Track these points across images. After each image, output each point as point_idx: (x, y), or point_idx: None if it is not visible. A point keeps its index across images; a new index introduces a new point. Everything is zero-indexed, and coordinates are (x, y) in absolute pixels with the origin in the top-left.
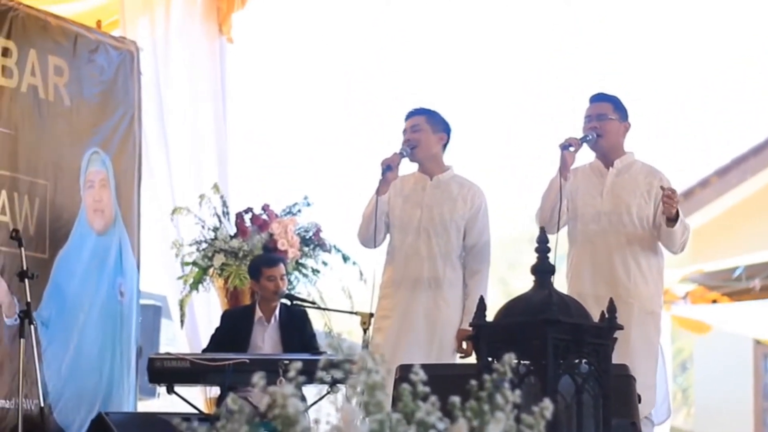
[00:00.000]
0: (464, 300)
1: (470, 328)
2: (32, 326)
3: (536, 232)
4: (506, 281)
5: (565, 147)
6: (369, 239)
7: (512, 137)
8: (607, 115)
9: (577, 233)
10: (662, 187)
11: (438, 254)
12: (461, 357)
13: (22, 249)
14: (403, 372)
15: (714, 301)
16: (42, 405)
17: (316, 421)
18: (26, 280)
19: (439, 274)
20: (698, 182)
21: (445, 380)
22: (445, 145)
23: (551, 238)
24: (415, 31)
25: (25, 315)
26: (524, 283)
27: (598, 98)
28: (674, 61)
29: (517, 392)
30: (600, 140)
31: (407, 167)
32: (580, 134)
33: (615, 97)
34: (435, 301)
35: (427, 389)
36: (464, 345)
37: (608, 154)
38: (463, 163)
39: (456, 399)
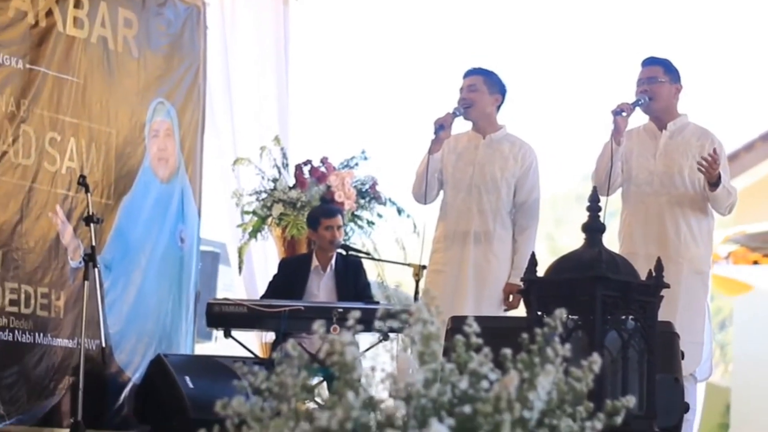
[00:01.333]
0: (513, 255)
1: (518, 282)
2: (96, 269)
3: (583, 191)
4: (553, 237)
5: (617, 113)
6: (421, 196)
7: (562, 97)
8: (657, 78)
9: (630, 194)
10: (701, 158)
11: (488, 210)
12: (506, 310)
13: (89, 194)
14: (455, 323)
15: (755, 262)
16: (104, 345)
17: (372, 369)
18: (92, 225)
19: (489, 229)
20: (743, 146)
21: (495, 332)
22: (499, 106)
23: (602, 199)
24: None
25: (90, 258)
26: (571, 239)
27: (650, 62)
28: (722, 26)
29: (567, 346)
30: (652, 103)
31: (461, 125)
32: (632, 98)
33: (666, 60)
34: (485, 256)
35: (479, 341)
36: (511, 298)
37: (661, 116)
38: (513, 120)
39: (507, 351)
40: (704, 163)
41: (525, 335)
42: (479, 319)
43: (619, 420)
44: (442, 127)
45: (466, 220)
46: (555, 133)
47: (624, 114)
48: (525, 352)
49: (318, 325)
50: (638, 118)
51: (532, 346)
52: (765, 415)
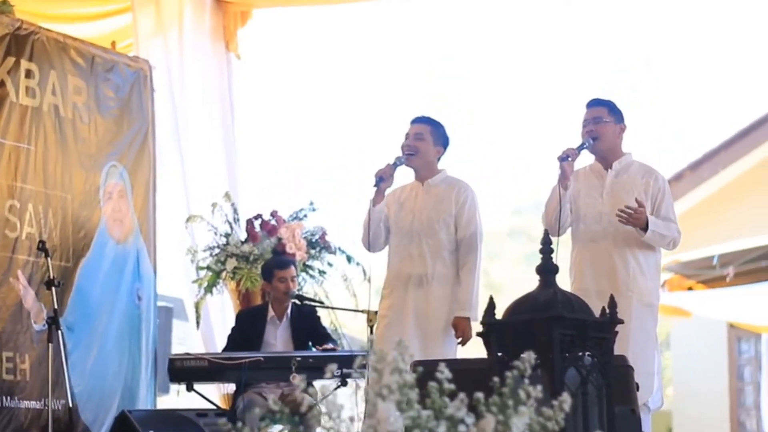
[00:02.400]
0: (456, 289)
1: (464, 315)
2: (59, 331)
3: (514, 225)
4: (488, 272)
5: (563, 158)
6: (367, 245)
7: (491, 136)
8: (602, 118)
9: (579, 232)
10: (618, 212)
11: (427, 253)
12: (460, 343)
13: (49, 259)
14: (424, 368)
15: (690, 288)
16: (70, 405)
17: (351, 419)
18: (53, 288)
19: (428, 272)
20: (672, 176)
21: (456, 374)
22: (439, 158)
23: (553, 240)
24: (413, 40)
25: (53, 321)
26: (505, 273)
27: (594, 103)
28: (645, 60)
29: (539, 387)
30: (597, 143)
31: (405, 173)
32: (577, 143)
33: (610, 101)
34: (425, 297)
35: (452, 386)
36: (458, 332)
37: (606, 155)
38: (448, 161)
39: (480, 395)
40: (623, 215)
41: (495, 378)
42: (432, 363)
43: None
44: (381, 179)
45: (406, 264)
46: (485, 170)
47: (570, 159)
48: (497, 394)
49: (299, 380)
50: (584, 159)
51: (503, 389)
52: None
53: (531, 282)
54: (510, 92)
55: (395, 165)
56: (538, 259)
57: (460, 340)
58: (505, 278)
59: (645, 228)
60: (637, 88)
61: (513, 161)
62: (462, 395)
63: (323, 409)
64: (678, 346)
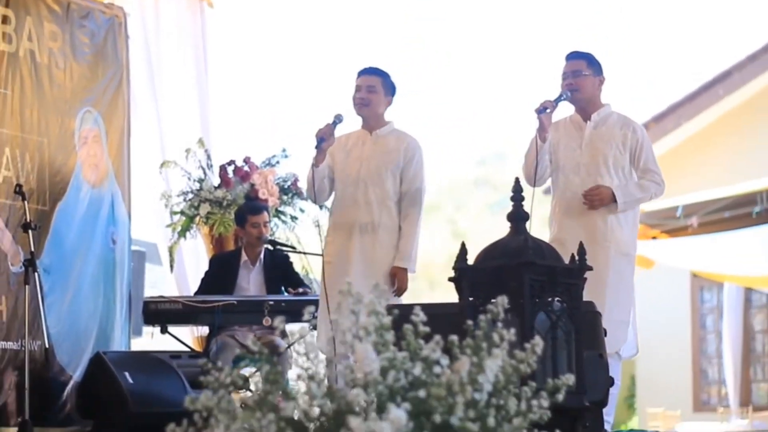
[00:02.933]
0: (398, 241)
1: (403, 266)
2: (36, 274)
3: (479, 175)
4: (455, 221)
5: (541, 111)
6: (312, 199)
7: (457, 87)
8: (581, 71)
9: (558, 183)
10: (585, 199)
11: (374, 201)
12: (395, 294)
13: (26, 202)
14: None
15: (654, 238)
16: (46, 346)
17: (328, 360)
18: (29, 231)
19: (374, 219)
20: None
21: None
22: (388, 106)
23: (529, 190)
24: None
25: (29, 263)
26: (471, 222)
27: (573, 56)
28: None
29: (512, 330)
30: (577, 94)
31: (353, 122)
32: (554, 95)
33: (589, 54)
34: (372, 244)
35: (427, 329)
36: (396, 282)
37: (585, 107)
38: (412, 111)
39: (454, 337)
40: (588, 202)
41: (469, 322)
42: (406, 307)
43: (560, 397)
44: (323, 139)
45: (352, 211)
46: (450, 122)
47: (548, 111)
48: (470, 337)
49: (279, 321)
50: (565, 110)
51: (477, 332)
52: (668, 385)
53: (496, 231)
54: (487, 34)
55: (335, 123)
56: (502, 208)
57: (395, 288)
58: (470, 227)
59: (615, 203)
60: (610, 37)
61: (482, 109)
62: (437, 337)
63: (300, 350)
64: (641, 295)
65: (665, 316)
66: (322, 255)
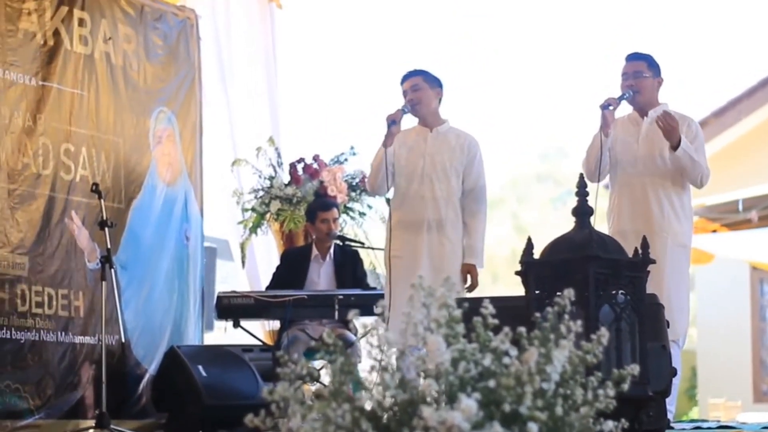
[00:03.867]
0: (465, 237)
1: (473, 262)
2: (112, 270)
3: (542, 170)
4: (517, 215)
5: (605, 107)
6: (378, 187)
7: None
8: (642, 73)
9: (617, 177)
10: (658, 116)
11: (441, 198)
12: (468, 289)
13: (102, 200)
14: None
15: (714, 231)
16: (123, 340)
17: (401, 352)
18: (106, 229)
19: (441, 216)
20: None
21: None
22: (440, 100)
23: (593, 185)
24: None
25: (106, 260)
26: (533, 216)
27: (634, 57)
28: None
29: (579, 322)
30: (637, 96)
31: (408, 122)
32: (617, 93)
33: (649, 55)
34: (439, 240)
35: (496, 321)
36: (468, 278)
37: (644, 107)
38: (475, 112)
39: (523, 329)
40: (662, 120)
41: (537, 314)
42: (475, 300)
43: (626, 387)
44: (394, 122)
45: (420, 208)
46: (510, 119)
47: (611, 108)
48: (538, 329)
49: (351, 314)
50: (623, 109)
51: (545, 324)
52: (729, 376)
53: (558, 225)
54: (533, 31)
55: (404, 111)
56: (564, 203)
57: (468, 285)
58: (532, 222)
59: (677, 146)
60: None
61: (537, 104)
62: (506, 329)
63: (373, 342)
64: (702, 288)
65: (725, 309)
66: (383, 249)
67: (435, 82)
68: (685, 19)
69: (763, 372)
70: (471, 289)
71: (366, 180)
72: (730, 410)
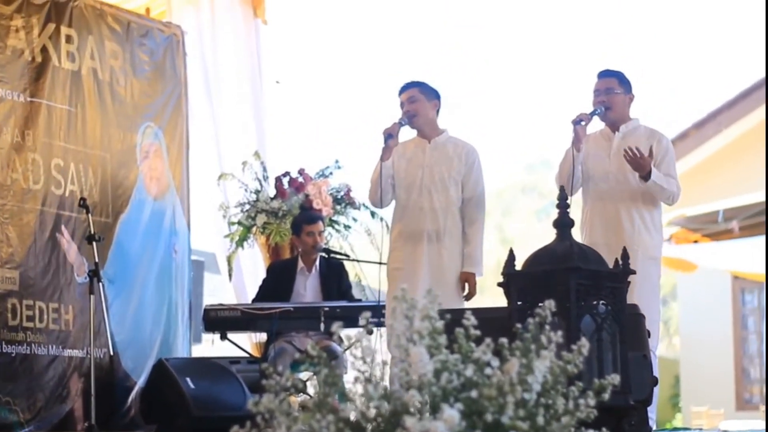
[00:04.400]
0: (464, 246)
1: (472, 271)
2: (100, 284)
3: (527, 181)
4: (502, 228)
5: (577, 122)
6: (378, 200)
7: (505, 97)
8: (613, 89)
9: (589, 191)
10: (625, 150)
11: (439, 209)
12: (466, 298)
13: (89, 215)
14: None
15: (695, 242)
16: (111, 353)
17: (384, 363)
18: (94, 243)
19: (440, 227)
20: (678, 135)
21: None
22: (438, 111)
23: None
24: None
25: (94, 274)
26: (518, 227)
27: (605, 74)
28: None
29: (560, 333)
30: (608, 112)
31: (407, 133)
32: (589, 109)
33: (620, 72)
34: (438, 251)
35: (478, 332)
36: (466, 286)
37: (616, 122)
38: (461, 120)
39: (504, 340)
40: (629, 154)
41: (518, 325)
42: (458, 312)
43: (606, 396)
44: (390, 135)
45: (419, 219)
46: (498, 130)
47: (583, 123)
48: (519, 340)
49: (336, 326)
50: (596, 125)
51: (526, 334)
52: (711, 384)
53: (542, 236)
54: (524, 42)
55: (401, 124)
56: (548, 214)
57: (466, 293)
58: (517, 233)
59: (647, 177)
60: (651, 47)
61: (525, 116)
62: (488, 340)
63: (357, 354)
64: (684, 297)
65: (708, 318)
66: (380, 263)
67: (432, 94)
68: (672, 34)
69: (746, 380)
70: (469, 297)
71: (368, 194)
72: (713, 418)
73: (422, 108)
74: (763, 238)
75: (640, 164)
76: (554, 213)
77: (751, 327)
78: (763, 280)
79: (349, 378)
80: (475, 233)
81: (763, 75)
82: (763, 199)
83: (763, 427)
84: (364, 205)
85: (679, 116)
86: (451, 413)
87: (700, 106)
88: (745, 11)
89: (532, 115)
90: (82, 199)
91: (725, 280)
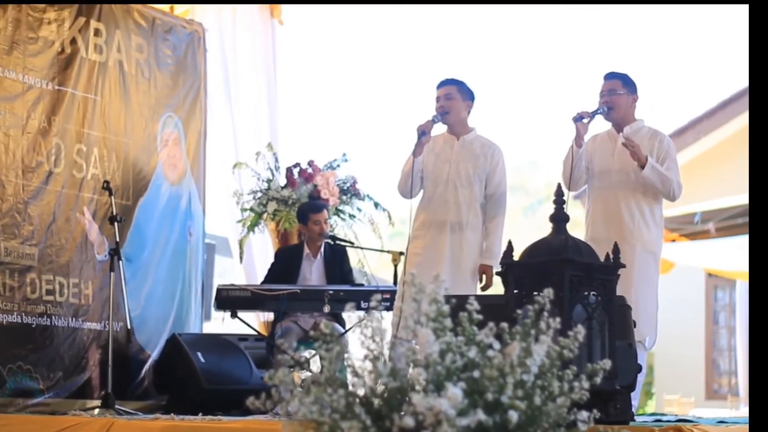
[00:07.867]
0: (484, 240)
1: (490, 263)
2: (120, 262)
3: (515, 181)
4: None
5: (577, 119)
6: (407, 192)
7: (495, 104)
8: (616, 90)
9: (593, 188)
10: (625, 138)
11: (463, 202)
12: (483, 288)
13: (112, 197)
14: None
15: (674, 241)
16: (128, 327)
17: (392, 342)
18: (115, 224)
19: (463, 219)
20: None
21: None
22: (469, 111)
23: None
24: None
25: (114, 252)
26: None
27: (610, 76)
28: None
29: (558, 319)
30: (612, 112)
31: (438, 128)
32: (592, 107)
33: (625, 74)
34: (459, 242)
35: (480, 317)
36: (484, 278)
37: (620, 123)
38: (485, 124)
39: (505, 325)
40: (629, 142)
41: (519, 311)
42: (461, 297)
43: (598, 381)
44: (424, 132)
45: (444, 210)
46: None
47: (584, 120)
48: (519, 325)
49: (349, 306)
50: (602, 125)
51: (526, 320)
52: (683, 374)
53: (528, 232)
54: (510, 46)
55: (434, 121)
56: (534, 212)
57: (483, 284)
58: (506, 229)
59: (644, 166)
60: (637, 55)
61: (513, 119)
62: (490, 324)
63: (368, 333)
64: (661, 293)
65: (682, 313)
66: (382, 251)
67: (468, 95)
68: (654, 45)
69: (715, 372)
70: (485, 287)
71: (397, 185)
72: (684, 406)
73: (456, 106)
74: (737, 238)
75: (639, 154)
76: (540, 211)
77: (722, 322)
78: (735, 278)
79: (354, 356)
80: (495, 228)
81: (741, 87)
82: (738, 203)
83: (730, 415)
84: (368, 196)
85: (660, 124)
86: (455, 391)
87: (681, 115)
88: (725, 22)
89: (520, 118)
90: (106, 182)
91: (699, 277)
